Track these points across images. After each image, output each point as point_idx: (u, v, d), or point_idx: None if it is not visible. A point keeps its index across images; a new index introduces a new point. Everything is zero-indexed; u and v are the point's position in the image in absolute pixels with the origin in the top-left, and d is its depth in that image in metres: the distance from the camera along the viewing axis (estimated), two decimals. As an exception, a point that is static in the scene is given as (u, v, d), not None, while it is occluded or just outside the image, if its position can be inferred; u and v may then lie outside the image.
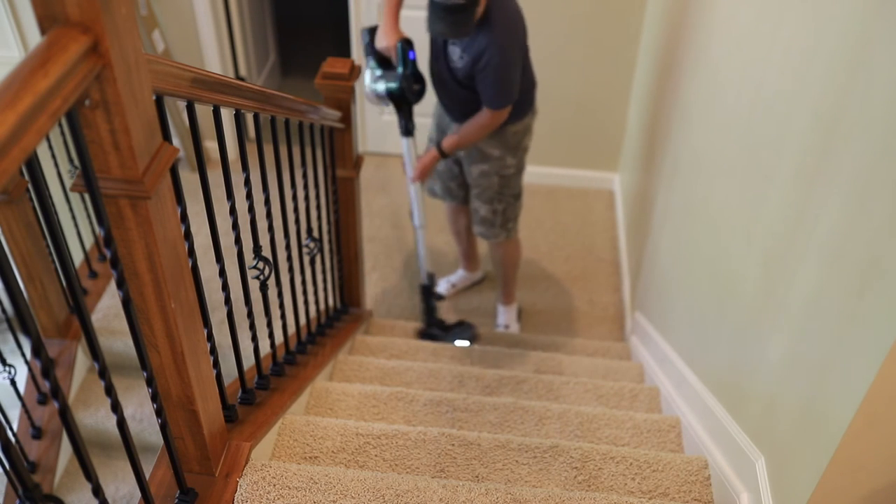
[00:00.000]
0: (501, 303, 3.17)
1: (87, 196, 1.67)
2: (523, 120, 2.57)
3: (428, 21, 2.22)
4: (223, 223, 1.67)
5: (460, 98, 2.50)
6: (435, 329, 2.90)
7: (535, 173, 3.66)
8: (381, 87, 2.48)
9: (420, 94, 2.49)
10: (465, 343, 2.85)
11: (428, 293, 2.87)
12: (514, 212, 2.80)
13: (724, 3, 1.99)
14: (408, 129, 2.57)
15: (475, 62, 2.32)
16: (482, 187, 2.71)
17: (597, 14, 3.41)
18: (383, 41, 2.43)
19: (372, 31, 2.52)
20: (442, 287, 3.33)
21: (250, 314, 1.67)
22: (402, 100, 2.48)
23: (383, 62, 2.51)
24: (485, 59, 2.28)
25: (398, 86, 2.44)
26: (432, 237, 3.66)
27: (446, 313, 3.25)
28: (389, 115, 4.03)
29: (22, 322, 0.83)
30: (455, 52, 2.39)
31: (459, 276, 3.34)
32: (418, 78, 2.46)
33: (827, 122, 1.29)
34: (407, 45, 2.41)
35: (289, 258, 1.95)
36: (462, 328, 2.93)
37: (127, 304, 1.08)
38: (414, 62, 2.43)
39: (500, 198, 2.73)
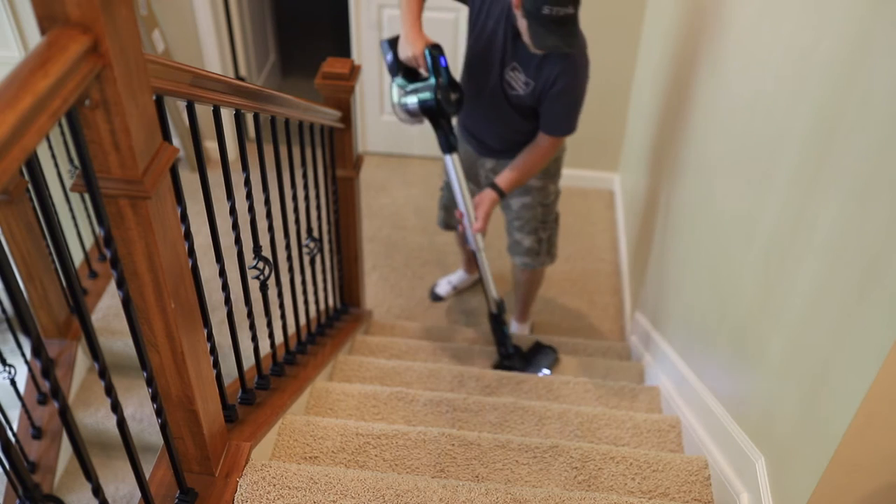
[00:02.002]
0: (517, 320, 3.10)
1: (87, 196, 1.67)
2: (562, 144, 2.44)
3: (534, 38, 2.00)
4: (223, 223, 1.67)
5: (508, 122, 2.33)
6: (515, 361, 2.60)
7: (535, 173, 3.66)
8: (413, 100, 2.21)
9: (459, 104, 2.23)
10: (549, 372, 2.56)
11: (498, 322, 2.57)
12: (556, 236, 2.69)
13: (724, 4, 1.99)
14: (450, 145, 2.28)
15: (547, 88, 2.16)
16: (525, 219, 2.58)
17: (596, 14, 3.41)
18: (408, 50, 2.16)
19: (393, 43, 2.27)
20: (442, 288, 3.32)
21: (250, 314, 1.67)
22: (439, 112, 2.19)
23: (410, 74, 2.25)
24: (559, 86, 2.15)
25: (433, 97, 2.16)
26: (431, 237, 3.66)
27: (446, 313, 3.25)
28: (390, 114, 4.03)
29: (22, 322, 0.83)
30: (518, 79, 2.21)
31: (460, 276, 3.33)
32: (454, 86, 2.20)
33: (827, 122, 1.29)
34: (436, 50, 2.14)
35: (289, 258, 1.95)
36: (543, 354, 2.64)
37: (127, 304, 1.08)
38: (447, 69, 2.17)
39: (544, 226, 2.61)
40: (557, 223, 2.68)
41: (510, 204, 2.59)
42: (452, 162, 2.31)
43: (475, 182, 2.62)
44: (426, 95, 2.17)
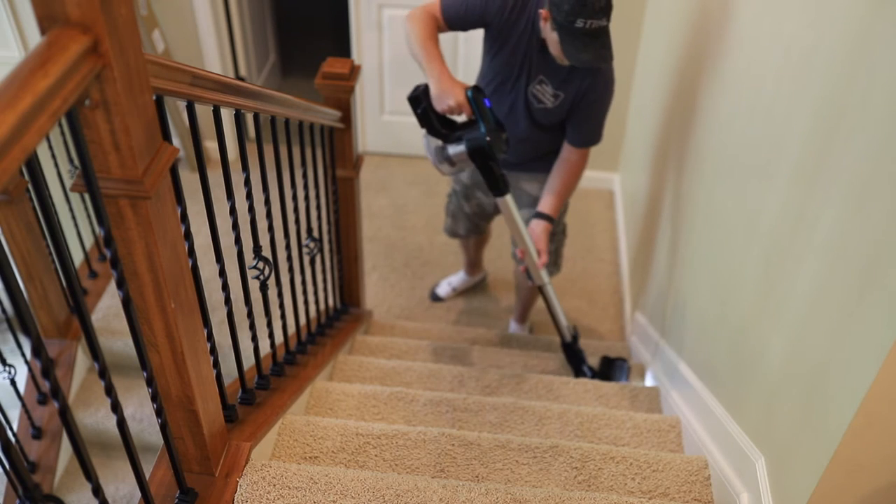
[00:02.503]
0: (516, 320, 3.11)
1: (87, 196, 1.67)
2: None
3: (567, 52, 1.93)
4: (223, 223, 1.67)
5: (528, 136, 2.28)
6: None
7: (535, 173, 3.66)
8: (461, 148, 2.07)
9: (509, 143, 2.12)
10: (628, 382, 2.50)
11: (573, 351, 2.53)
12: (563, 247, 2.65)
13: (725, 4, 1.99)
14: (504, 187, 2.15)
15: (578, 99, 2.14)
16: None
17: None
18: (449, 99, 2.00)
19: (423, 95, 2.07)
20: (442, 289, 3.32)
21: (250, 314, 1.67)
22: (490, 156, 2.06)
23: (448, 124, 2.11)
24: (592, 96, 2.13)
25: (484, 142, 2.02)
26: (431, 237, 3.66)
27: (446, 313, 3.25)
28: (389, 114, 4.03)
29: (22, 322, 0.83)
30: (545, 92, 2.16)
31: (460, 278, 3.33)
32: (502, 126, 2.08)
33: (827, 122, 1.29)
34: (479, 93, 2.03)
35: (289, 258, 1.95)
36: (617, 368, 2.57)
37: (127, 304, 1.08)
38: (492, 109, 2.06)
39: (552, 238, 2.52)
40: (565, 235, 2.65)
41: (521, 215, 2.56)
42: (509, 202, 2.19)
43: (484, 192, 2.60)
44: (476, 141, 2.04)
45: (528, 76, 2.18)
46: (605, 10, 1.90)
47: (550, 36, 2.00)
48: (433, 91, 2.04)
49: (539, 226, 2.29)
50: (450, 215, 2.82)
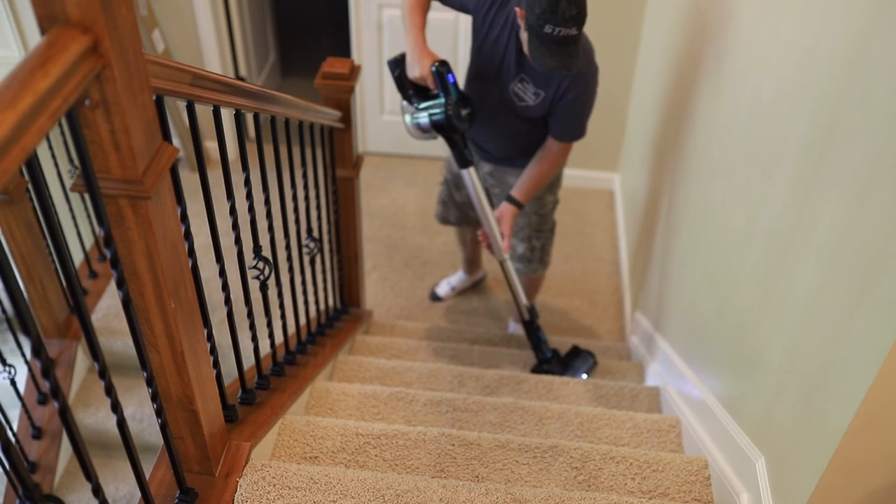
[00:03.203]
0: (516, 320, 3.10)
1: (87, 196, 1.67)
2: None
3: (533, 55, 1.95)
4: (223, 223, 1.67)
5: (513, 130, 2.31)
6: (554, 365, 2.58)
7: (535, 173, 3.66)
8: (424, 117, 2.20)
9: (471, 118, 2.20)
10: (585, 377, 2.53)
11: (532, 328, 2.56)
12: (551, 244, 2.67)
13: (725, 4, 1.99)
14: (465, 160, 2.28)
15: (558, 98, 2.14)
16: (519, 226, 2.57)
17: (597, 14, 3.40)
18: (416, 69, 2.13)
19: (399, 62, 2.23)
20: (441, 289, 3.32)
21: (250, 314, 1.67)
22: (451, 128, 2.19)
23: (420, 92, 2.23)
24: (570, 95, 2.13)
25: (443, 114, 2.15)
26: (431, 237, 3.66)
27: (446, 313, 3.25)
28: (389, 114, 4.03)
29: (22, 322, 0.83)
30: (527, 90, 2.18)
31: (459, 278, 3.33)
32: (465, 101, 2.17)
33: (827, 122, 1.29)
34: (443, 67, 2.12)
35: (289, 258, 1.95)
36: (582, 359, 2.60)
37: (127, 304, 1.08)
38: (455, 85, 2.15)
39: (538, 235, 2.60)
40: (553, 232, 2.66)
41: None
42: (470, 176, 2.30)
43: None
44: (437, 112, 2.16)
45: (510, 74, 2.18)
46: (576, 20, 1.88)
47: (522, 35, 2.01)
48: (407, 59, 2.15)
49: (507, 210, 2.33)
50: (440, 202, 2.84)
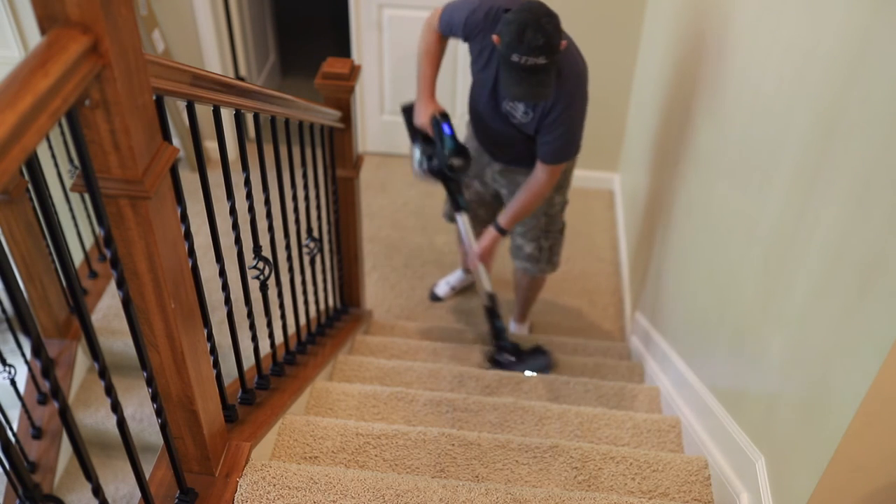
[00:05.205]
0: (516, 320, 3.10)
1: (87, 196, 1.67)
2: (574, 157, 2.40)
3: (504, 84, 1.98)
4: (223, 223, 1.67)
5: (517, 139, 2.31)
6: (505, 356, 2.59)
7: (535, 173, 3.66)
8: (423, 162, 2.41)
9: (462, 169, 2.34)
10: (534, 374, 2.52)
11: (492, 315, 2.59)
12: (560, 245, 2.67)
13: (725, 4, 1.99)
14: (458, 205, 2.45)
15: (543, 117, 2.14)
16: (528, 226, 2.58)
17: (597, 14, 3.41)
18: (420, 118, 2.34)
19: (409, 109, 2.43)
20: (441, 289, 3.32)
21: (250, 314, 1.67)
22: (444, 176, 2.40)
23: (426, 138, 2.41)
24: (554, 114, 2.11)
25: (437, 163, 2.36)
26: (431, 237, 3.66)
27: (446, 313, 3.25)
28: (389, 114, 4.03)
29: (22, 322, 0.83)
30: (517, 108, 2.20)
31: (458, 276, 3.33)
32: (458, 151, 2.32)
33: (827, 122, 1.29)
34: (443, 118, 2.29)
35: (289, 258, 1.95)
36: (536, 357, 2.60)
37: (127, 304, 1.08)
38: (452, 137, 2.30)
39: (547, 235, 2.59)
40: (562, 233, 2.65)
41: None
42: (462, 221, 2.47)
43: (481, 181, 2.62)
44: (432, 163, 2.38)
45: (501, 94, 2.21)
46: (544, 49, 1.89)
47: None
48: (415, 106, 2.36)
49: (488, 233, 2.43)
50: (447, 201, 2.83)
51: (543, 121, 2.15)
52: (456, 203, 2.46)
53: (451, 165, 2.32)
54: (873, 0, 1.15)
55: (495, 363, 2.60)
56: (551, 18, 1.91)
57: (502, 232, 2.40)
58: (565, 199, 2.58)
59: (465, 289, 3.36)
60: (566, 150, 2.21)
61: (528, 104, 2.16)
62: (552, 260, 2.68)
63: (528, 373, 2.51)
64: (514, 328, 3.12)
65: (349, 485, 1.49)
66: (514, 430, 2.02)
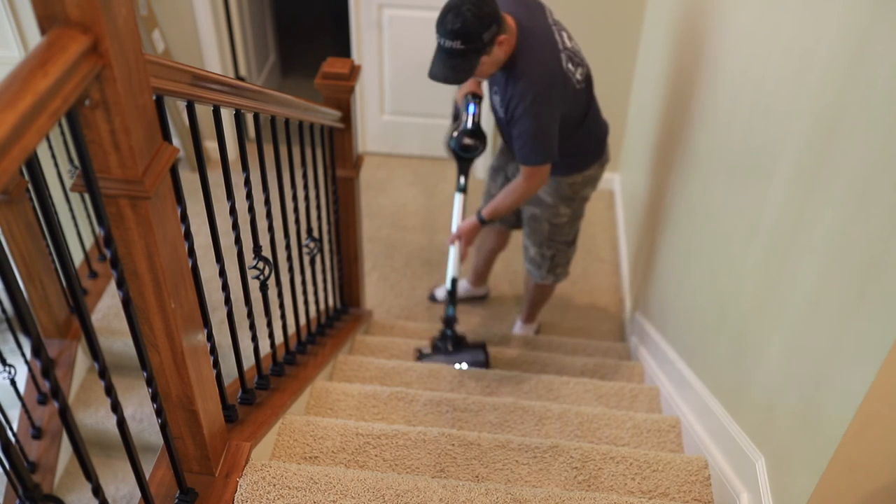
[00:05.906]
0: (523, 320, 3.10)
1: (87, 196, 1.67)
2: (584, 172, 2.42)
3: (431, 63, 2.07)
4: (223, 223, 1.67)
5: (509, 138, 2.34)
6: (445, 343, 2.57)
7: (535, 173, 3.65)
8: (449, 140, 2.49)
9: (472, 149, 2.41)
10: (465, 367, 2.51)
11: (450, 300, 2.60)
12: (565, 257, 2.67)
13: (725, 4, 1.99)
14: (459, 186, 2.52)
15: (511, 110, 2.16)
16: (532, 229, 2.61)
17: (597, 14, 3.41)
18: (459, 93, 2.46)
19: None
20: (441, 293, 3.30)
21: (250, 314, 1.67)
22: (456, 155, 2.47)
23: (458, 116, 2.50)
24: (511, 111, 2.14)
25: (454, 141, 2.44)
26: (431, 237, 3.66)
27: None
28: (390, 114, 4.03)
29: (22, 322, 0.83)
30: (496, 101, 2.25)
31: (462, 287, 3.28)
32: (474, 132, 2.38)
33: (827, 122, 1.29)
34: (473, 98, 2.39)
35: (289, 258, 1.95)
36: (471, 352, 2.57)
37: (127, 304, 1.08)
38: (474, 116, 2.37)
39: (550, 244, 2.60)
40: (569, 246, 2.64)
41: (524, 210, 2.60)
42: (458, 201, 2.54)
43: (505, 175, 2.65)
44: (448, 137, 2.49)
45: (487, 85, 2.31)
46: (459, 34, 1.94)
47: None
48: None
49: (470, 218, 2.48)
50: (485, 193, 2.82)
51: (511, 113, 2.17)
52: (458, 184, 2.52)
53: (463, 144, 2.41)
54: (873, 0, 1.15)
55: (435, 348, 2.58)
56: (476, 8, 1.94)
57: (482, 221, 2.42)
58: (576, 213, 2.55)
59: (464, 300, 3.31)
60: (531, 153, 2.18)
61: (501, 97, 2.19)
62: (554, 270, 2.69)
63: (457, 365, 2.50)
64: (519, 328, 3.11)
65: (349, 485, 1.49)
66: (514, 430, 2.02)
